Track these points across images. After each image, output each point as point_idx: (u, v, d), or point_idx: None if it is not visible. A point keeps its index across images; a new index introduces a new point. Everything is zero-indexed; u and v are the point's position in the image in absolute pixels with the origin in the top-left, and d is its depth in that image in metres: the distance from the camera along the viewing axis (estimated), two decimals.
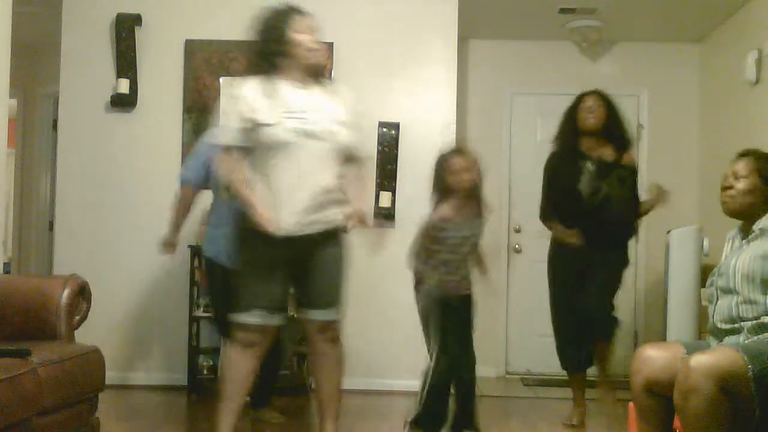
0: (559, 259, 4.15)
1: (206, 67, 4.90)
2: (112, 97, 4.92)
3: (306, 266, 3.05)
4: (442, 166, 3.49)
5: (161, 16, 5.01)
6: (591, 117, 4.08)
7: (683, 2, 5.11)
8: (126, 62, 4.91)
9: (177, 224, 3.97)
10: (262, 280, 3.01)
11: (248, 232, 2.95)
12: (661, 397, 2.50)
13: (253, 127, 2.96)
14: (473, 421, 3.63)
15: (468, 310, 3.63)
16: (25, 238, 6.45)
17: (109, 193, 4.91)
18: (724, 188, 2.69)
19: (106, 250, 4.90)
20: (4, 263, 5.36)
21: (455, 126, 4.98)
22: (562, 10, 5.33)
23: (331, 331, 3.13)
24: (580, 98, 4.17)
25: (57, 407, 2.96)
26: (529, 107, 6.00)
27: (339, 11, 5.03)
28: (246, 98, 2.99)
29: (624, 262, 4.14)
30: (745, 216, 2.68)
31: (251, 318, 3.02)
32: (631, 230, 4.19)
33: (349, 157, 3.11)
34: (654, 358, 2.54)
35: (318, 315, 3.09)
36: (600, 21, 5.47)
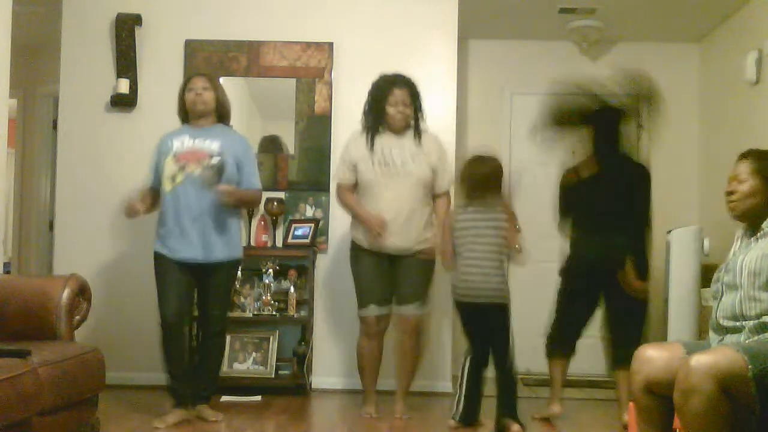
0: (571, 270, 4.17)
1: (206, 67, 4.90)
2: (112, 97, 4.92)
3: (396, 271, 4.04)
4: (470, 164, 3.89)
5: (161, 16, 5.01)
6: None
7: (683, 2, 5.12)
8: (126, 62, 4.91)
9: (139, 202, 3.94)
10: (370, 282, 4.03)
11: (358, 249, 4.07)
12: (661, 397, 2.49)
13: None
14: (512, 412, 3.78)
15: (488, 319, 3.81)
16: (25, 238, 6.45)
17: (110, 194, 4.90)
18: (728, 193, 2.69)
19: (106, 250, 4.90)
20: (4, 263, 5.35)
21: (455, 126, 4.98)
22: (562, 10, 5.33)
23: (408, 323, 4.03)
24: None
25: (57, 407, 2.96)
26: (529, 107, 5.98)
27: (339, 11, 5.03)
28: (349, 147, 4.11)
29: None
30: (752, 218, 2.66)
31: (368, 312, 4.01)
32: (628, 243, 3.99)
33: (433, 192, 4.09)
34: (654, 358, 2.54)
35: (399, 310, 4.04)
36: (600, 21, 5.47)
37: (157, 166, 3.96)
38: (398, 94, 3.99)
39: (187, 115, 4.03)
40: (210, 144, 3.90)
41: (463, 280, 3.78)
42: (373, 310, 4.02)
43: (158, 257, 3.89)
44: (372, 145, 4.03)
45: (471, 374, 3.82)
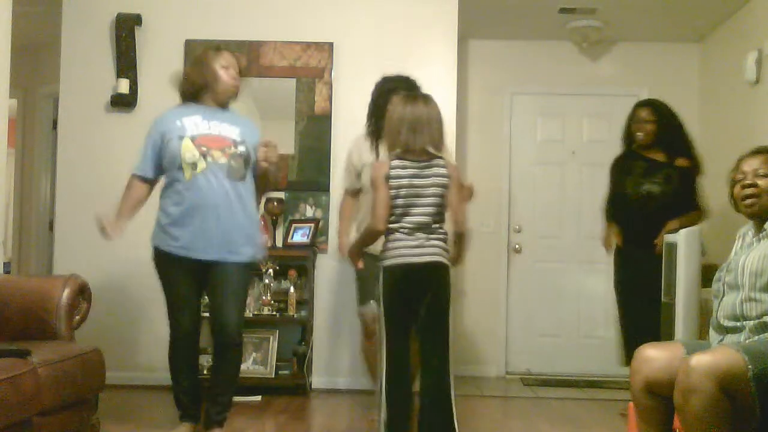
0: (619, 257, 4.40)
1: None
2: (112, 97, 4.92)
3: None
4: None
5: (161, 16, 5.02)
6: (640, 133, 4.31)
7: (683, 2, 5.11)
8: (126, 62, 4.91)
9: (121, 212, 3.47)
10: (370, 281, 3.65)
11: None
12: (661, 397, 2.49)
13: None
14: None
15: (425, 285, 3.03)
16: (25, 238, 6.45)
17: (109, 194, 4.88)
18: (745, 186, 2.62)
19: (106, 250, 4.88)
20: (4, 263, 5.36)
21: (455, 126, 4.98)
22: (562, 10, 5.33)
23: None
24: (634, 109, 4.39)
25: (57, 407, 2.96)
26: (529, 107, 6.00)
27: (339, 11, 5.03)
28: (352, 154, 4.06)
29: None
30: (764, 215, 2.61)
31: (368, 308, 3.87)
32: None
33: None
34: (654, 358, 2.54)
35: None
36: (600, 21, 5.48)
37: (160, 152, 3.40)
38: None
39: (198, 91, 3.46)
40: (229, 129, 3.41)
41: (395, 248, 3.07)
42: (373, 306, 3.80)
43: (165, 256, 3.40)
44: (377, 152, 3.90)
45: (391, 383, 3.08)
